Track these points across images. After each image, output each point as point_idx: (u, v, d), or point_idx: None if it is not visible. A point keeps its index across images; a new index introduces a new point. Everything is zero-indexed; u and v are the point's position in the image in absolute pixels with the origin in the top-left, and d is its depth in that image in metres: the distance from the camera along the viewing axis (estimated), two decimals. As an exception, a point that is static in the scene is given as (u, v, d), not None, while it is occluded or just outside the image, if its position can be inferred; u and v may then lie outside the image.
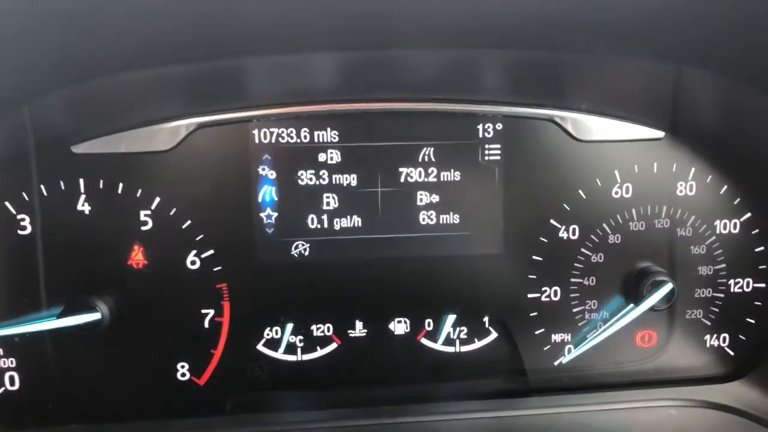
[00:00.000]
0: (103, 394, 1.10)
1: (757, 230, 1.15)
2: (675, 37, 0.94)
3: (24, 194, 1.03)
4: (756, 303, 1.18)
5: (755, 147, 1.10)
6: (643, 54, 1.01)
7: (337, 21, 0.84)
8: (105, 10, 0.73)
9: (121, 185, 1.06)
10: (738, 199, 1.14)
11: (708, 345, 1.18)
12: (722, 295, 1.17)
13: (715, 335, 1.19)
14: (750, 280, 1.17)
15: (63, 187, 1.05)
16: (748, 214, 1.15)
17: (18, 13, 0.71)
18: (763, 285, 1.17)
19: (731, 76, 1.02)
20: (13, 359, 1.07)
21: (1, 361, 1.08)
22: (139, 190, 1.06)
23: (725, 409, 1.10)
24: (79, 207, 1.05)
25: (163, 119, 1.05)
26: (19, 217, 1.04)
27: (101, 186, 1.05)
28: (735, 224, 1.16)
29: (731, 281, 1.17)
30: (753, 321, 1.17)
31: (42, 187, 1.04)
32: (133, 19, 0.78)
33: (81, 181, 1.05)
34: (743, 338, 1.17)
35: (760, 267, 1.16)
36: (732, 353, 1.18)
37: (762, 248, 1.15)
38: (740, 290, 1.17)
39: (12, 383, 1.06)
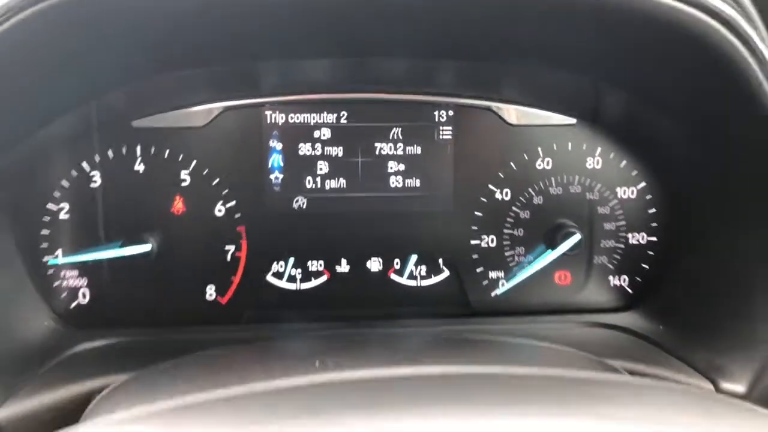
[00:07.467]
0: (150, 307, 1.29)
1: (650, 196, 1.35)
2: (586, 59, 1.17)
3: (96, 156, 1.24)
4: (649, 252, 1.37)
5: (649, 134, 1.30)
6: (561, 68, 1.23)
7: (328, 38, 1.10)
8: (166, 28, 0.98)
9: (167, 151, 1.26)
10: (635, 172, 1.34)
11: (611, 284, 1.38)
12: (622, 246, 1.37)
13: (617, 276, 1.38)
14: (644, 234, 1.37)
15: (124, 152, 1.25)
16: (643, 183, 1.35)
17: (97, 26, 0.92)
18: (654, 239, 1.36)
19: (633, 92, 1.23)
20: (85, 279, 1.27)
21: (77, 281, 1.27)
22: (181, 155, 1.26)
23: (622, 330, 1.35)
24: (136, 167, 1.26)
25: (199, 103, 1.25)
26: (91, 173, 1.24)
27: (153, 151, 1.26)
28: (633, 191, 1.35)
29: (629, 235, 1.37)
30: (646, 266, 1.38)
31: (109, 151, 1.25)
32: (181, 38, 1.03)
33: (138, 147, 1.25)
34: (639, 279, 1.38)
35: (652, 224, 1.36)
36: (630, 291, 1.39)
37: (654, 210, 1.35)
38: (636, 242, 1.37)
39: (84, 297, 1.28)
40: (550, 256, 1.33)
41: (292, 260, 1.34)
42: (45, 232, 1.26)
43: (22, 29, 0.84)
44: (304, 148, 1.31)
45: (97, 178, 1.27)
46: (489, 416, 0.54)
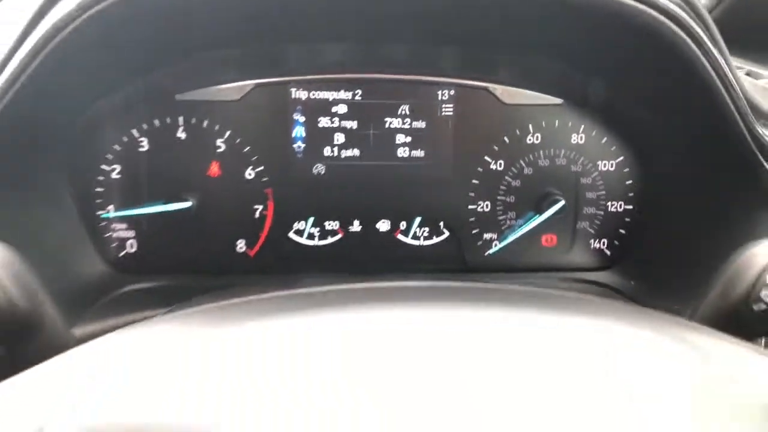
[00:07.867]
0: (189, 257, 1.41)
1: (627, 169, 1.45)
2: (565, 49, 1.33)
3: (144, 125, 1.35)
4: (626, 219, 1.48)
5: (626, 115, 1.42)
6: (548, 56, 1.39)
7: (345, 24, 1.27)
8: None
9: (206, 122, 1.36)
10: (614, 147, 1.44)
11: (592, 247, 1.50)
12: (602, 213, 1.47)
13: (597, 240, 1.50)
14: (622, 203, 1.47)
15: (168, 122, 1.35)
16: (621, 157, 1.45)
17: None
18: (631, 207, 1.47)
19: (608, 79, 1.39)
20: (133, 231, 1.40)
21: (126, 233, 1.40)
22: (217, 125, 1.36)
23: (600, 286, 1.51)
24: (178, 135, 1.36)
25: (234, 80, 1.35)
26: (139, 139, 1.36)
27: (193, 121, 1.36)
28: (612, 164, 1.45)
29: (609, 203, 1.47)
30: (623, 231, 1.49)
31: (155, 121, 1.36)
32: (219, 20, 1.20)
33: (180, 117, 1.35)
34: (616, 243, 1.50)
35: (629, 194, 1.46)
36: (609, 253, 1.51)
37: (631, 181, 1.46)
38: (615, 210, 1.48)
39: (132, 247, 1.41)
40: (538, 220, 1.45)
41: (311, 220, 1.46)
42: (99, 189, 1.39)
43: (96, 21, 1.02)
44: (324, 121, 1.42)
45: (144, 144, 1.38)
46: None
